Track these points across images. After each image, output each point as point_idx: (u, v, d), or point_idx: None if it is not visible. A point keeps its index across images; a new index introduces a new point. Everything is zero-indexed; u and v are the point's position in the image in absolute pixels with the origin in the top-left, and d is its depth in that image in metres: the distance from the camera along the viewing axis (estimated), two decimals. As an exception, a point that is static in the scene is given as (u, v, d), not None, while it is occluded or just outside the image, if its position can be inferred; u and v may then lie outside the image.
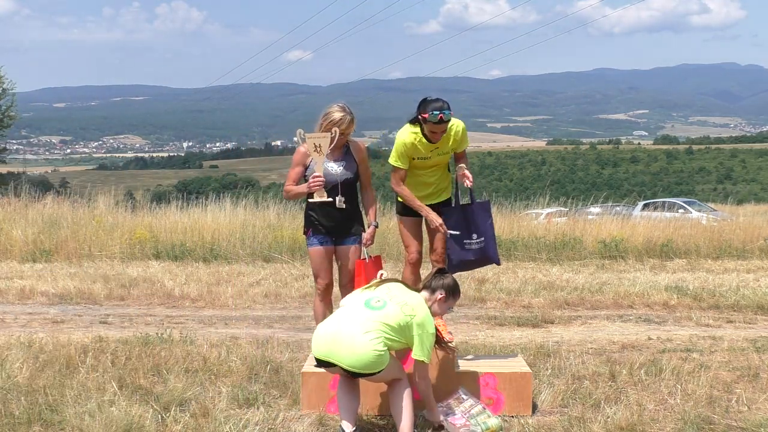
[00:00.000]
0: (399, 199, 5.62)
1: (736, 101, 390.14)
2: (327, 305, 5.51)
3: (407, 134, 5.34)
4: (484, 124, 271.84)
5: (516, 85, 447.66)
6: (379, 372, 4.30)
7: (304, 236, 5.62)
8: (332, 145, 5.23)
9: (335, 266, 5.66)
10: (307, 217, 5.51)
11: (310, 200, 5.33)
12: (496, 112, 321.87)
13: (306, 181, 5.42)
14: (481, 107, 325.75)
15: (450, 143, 5.40)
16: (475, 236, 5.26)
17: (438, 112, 5.11)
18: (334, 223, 5.42)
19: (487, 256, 5.43)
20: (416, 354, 4.40)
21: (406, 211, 5.63)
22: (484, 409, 4.76)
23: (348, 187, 5.41)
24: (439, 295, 4.60)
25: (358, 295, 4.57)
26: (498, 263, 5.59)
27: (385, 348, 4.27)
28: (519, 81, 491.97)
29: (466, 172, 5.31)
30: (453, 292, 4.67)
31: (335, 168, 5.38)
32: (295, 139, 5.35)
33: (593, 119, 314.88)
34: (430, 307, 4.55)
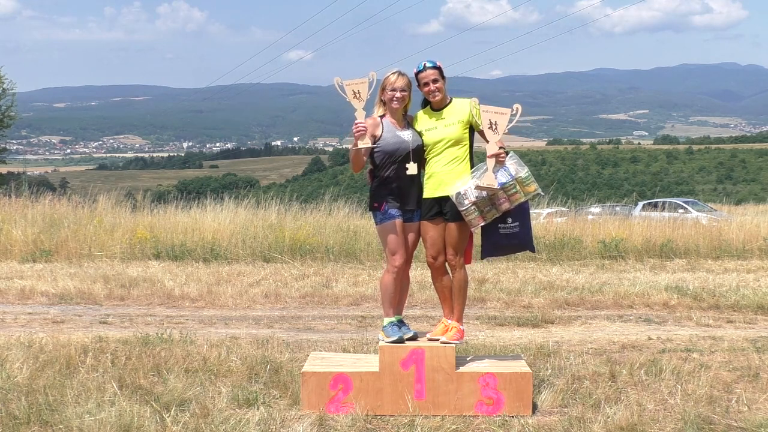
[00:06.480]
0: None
1: (736, 101, 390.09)
2: (399, 285, 5.22)
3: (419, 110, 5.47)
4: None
5: (516, 85, 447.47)
6: None
7: (371, 212, 5.32)
8: (371, 90, 5.11)
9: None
10: (378, 190, 5.22)
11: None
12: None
13: (374, 154, 5.22)
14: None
15: (457, 116, 5.26)
16: (510, 220, 5.17)
17: (422, 62, 5.27)
18: (410, 193, 5.20)
19: (521, 242, 5.33)
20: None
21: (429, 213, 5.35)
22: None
23: (419, 155, 5.25)
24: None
25: None
26: (533, 250, 5.48)
27: None
28: (519, 81, 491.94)
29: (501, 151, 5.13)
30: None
31: (408, 135, 5.24)
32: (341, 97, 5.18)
33: (593, 119, 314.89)
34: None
